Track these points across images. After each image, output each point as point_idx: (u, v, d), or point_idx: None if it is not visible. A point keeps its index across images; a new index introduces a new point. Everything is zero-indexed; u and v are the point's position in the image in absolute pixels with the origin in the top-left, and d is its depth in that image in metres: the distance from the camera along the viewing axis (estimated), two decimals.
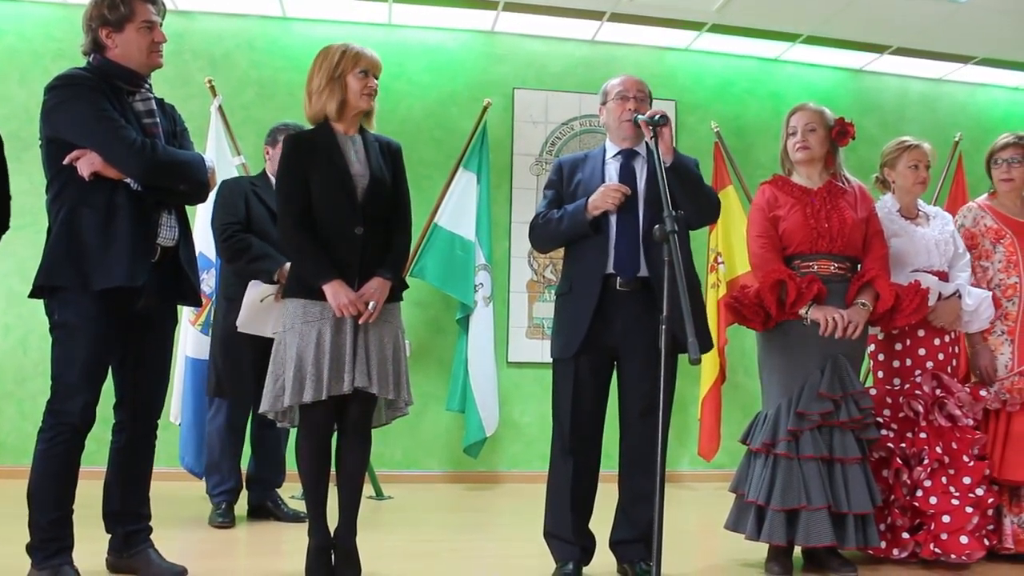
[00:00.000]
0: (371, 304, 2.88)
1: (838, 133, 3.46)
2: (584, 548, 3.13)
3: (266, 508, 4.21)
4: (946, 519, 3.36)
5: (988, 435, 3.61)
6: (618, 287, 3.04)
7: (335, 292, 2.84)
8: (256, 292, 3.82)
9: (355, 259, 2.92)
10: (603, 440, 3.17)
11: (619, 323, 3.04)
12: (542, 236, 3.23)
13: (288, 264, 3.72)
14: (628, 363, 3.08)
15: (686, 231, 3.05)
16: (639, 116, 3.03)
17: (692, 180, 3.07)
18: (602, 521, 3.19)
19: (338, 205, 2.92)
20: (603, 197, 3.02)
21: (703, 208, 3.13)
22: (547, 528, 3.17)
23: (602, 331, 3.04)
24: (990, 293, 3.67)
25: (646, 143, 3.12)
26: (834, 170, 3.49)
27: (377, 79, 3.02)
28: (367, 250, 2.94)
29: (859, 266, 3.43)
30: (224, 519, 4.00)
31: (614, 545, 3.18)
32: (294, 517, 4.10)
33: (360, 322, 2.88)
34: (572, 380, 3.08)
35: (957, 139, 5.87)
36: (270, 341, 3.63)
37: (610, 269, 3.05)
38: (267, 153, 4.24)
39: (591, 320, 3.02)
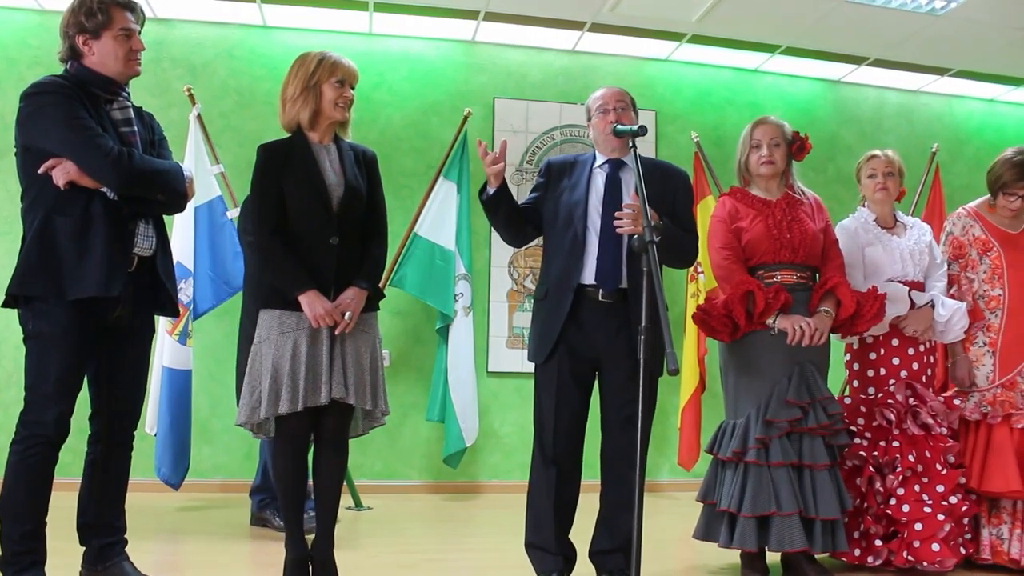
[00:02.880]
0: (347, 314, 2.86)
1: (797, 148, 3.50)
2: (566, 558, 3.12)
3: (264, 518, 4.15)
4: (918, 527, 3.38)
5: (968, 446, 3.64)
6: (600, 298, 3.05)
7: (311, 302, 2.82)
8: None
9: (330, 269, 2.90)
10: (584, 450, 3.16)
11: (599, 333, 3.05)
12: (496, 230, 3.31)
13: None
14: (609, 373, 3.09)
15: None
16: (618, 127, 3.05)
17: (676, 245, 3.11)
18: (581, 531, 3.18)
19: (313, 215, 2.90)
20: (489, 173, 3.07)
21: (686, 260, 3.32)
22: (528, 539, 3.17)
23: (580, 340, 3.06)
24: (964, 304, 3.70)
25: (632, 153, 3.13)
26: (790, 182, 3.52)
27: (354, 89, 3.01)
28: (342, 260, 2.92)
29: (817, 275, 3.46)
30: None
31: (593, 555, 3.18)
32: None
33: (336, 332, 2.87)
34: (554, 387, 3.10)
35: (934, 150, 5.92)
36: None
37: (587, 280, 3.07)
38: None
39: (562, 327, 3.06)
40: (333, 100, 2.94)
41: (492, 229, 5.75)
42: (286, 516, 2.96)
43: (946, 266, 3.78)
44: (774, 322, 3.27)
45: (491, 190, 3.10)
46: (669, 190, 3.18)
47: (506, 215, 3.17)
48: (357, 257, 2.97)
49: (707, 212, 5.55)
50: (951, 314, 3.64)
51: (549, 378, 3.12)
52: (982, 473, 3.57)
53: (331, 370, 2.85)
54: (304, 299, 2.82)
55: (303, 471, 2.98)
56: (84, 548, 2.92)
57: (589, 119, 3.27)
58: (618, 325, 3.01)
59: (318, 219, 2.90)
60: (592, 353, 3.08)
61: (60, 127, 2.66)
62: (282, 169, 2.92)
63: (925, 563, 3.37)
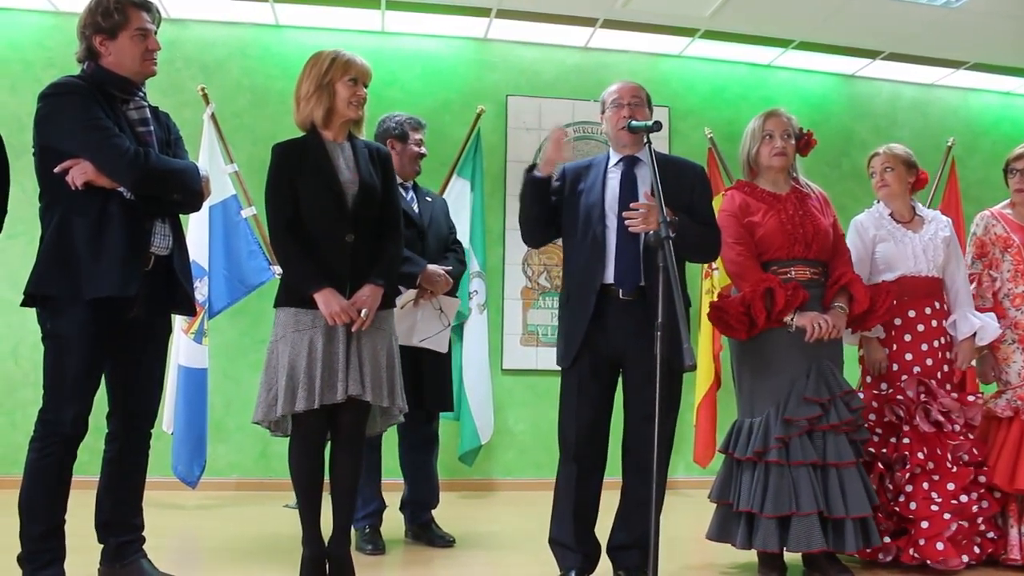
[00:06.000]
0: (363, 311, 2.86)
1: (803, 144, 3.49)
2: (586, 555, 3.11)
3: (416, 531, 3.94)
4: (925, 525, 3.36)
5: (997, 443, 3.60)
6: (620, 296, 3.04)
7: (327, 300, 2.83)
8: (399, 299, 3.63)
9: (346, 267, 2.91)
10: (608, 448, 3.15)
11: (621, 332, 3.03)
12: (521, 223, 3.23)
13: (430, 266, 3.68)
14: (631, 371, 3.07)
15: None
16: (632, 123, 3.04)
17: (693, 241, 3.06)
18: (606, 528, 3.18)
19: (328, 213, 2.91)
20: (546, 160, 3.04)
21: (708, 254, 3.28)
22: (551, 535, 3.17)
23: (602, 340, 3.04)
24: (991, 316, 3.68)
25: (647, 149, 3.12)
26: (795, 175, 3.50)
27: (367, 87, 3.01)
28: (358, 257, 2.93)
29: (826, 269, 3.43)
30: (372, 546, 3.67)
31: (611, 550, 3.17)
32: (444, 543, 3.84)
33: (353, 330, 2.87)
34: (576, 388, 3.09)
35: (949, 144, 5.89)
36: (413, 351, 3.61)
37: (608, 280, 3.05)
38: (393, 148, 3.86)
39: (586, 330, 3.04)
40: (347, 99, 2.95)
41: (506, 227, 5.82)
42: (303, 514, 2.97)
43: (964, 268, 3.75)
44: (792, 320, 3.25)
45: (539, 174, 3.07)
46: (686, 186, 3.14)
47: (541, 203, 3.13)
48: (372, 254, 2.98)
49: None
50: (991, 335, 3.65)
51: (572, 379, 3.11)
52: (1015, 470, 3.50)
53: (347, 367, 2.86)
54: (320, 297, 2.83)
55: (319, 469, 2.99)
56: (102, 546, 2.93)
57: (603, 112, 3.26)
58: (638, 323, 2.98)
59: (333, 217, 2.91)
60: (614, 352, 3.06)
61: (77, 127, 2.68)
62: (297, 168, 2.93)
63: (928, 561, 3.34)
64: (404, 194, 3.87)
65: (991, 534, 3.53)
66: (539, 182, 3.08)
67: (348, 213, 2.92)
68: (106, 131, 2.69)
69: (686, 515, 4.76)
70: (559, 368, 3.20)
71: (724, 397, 5.55)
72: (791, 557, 3.35)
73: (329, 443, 3.07)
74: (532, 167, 3.10)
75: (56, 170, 2.68)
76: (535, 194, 3.11)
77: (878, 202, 3.79)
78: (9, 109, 5.24)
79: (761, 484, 3.20)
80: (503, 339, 5.77)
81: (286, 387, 2.83)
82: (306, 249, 2.90)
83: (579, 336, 3.05)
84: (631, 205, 2.98)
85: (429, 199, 4.02)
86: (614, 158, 3.22)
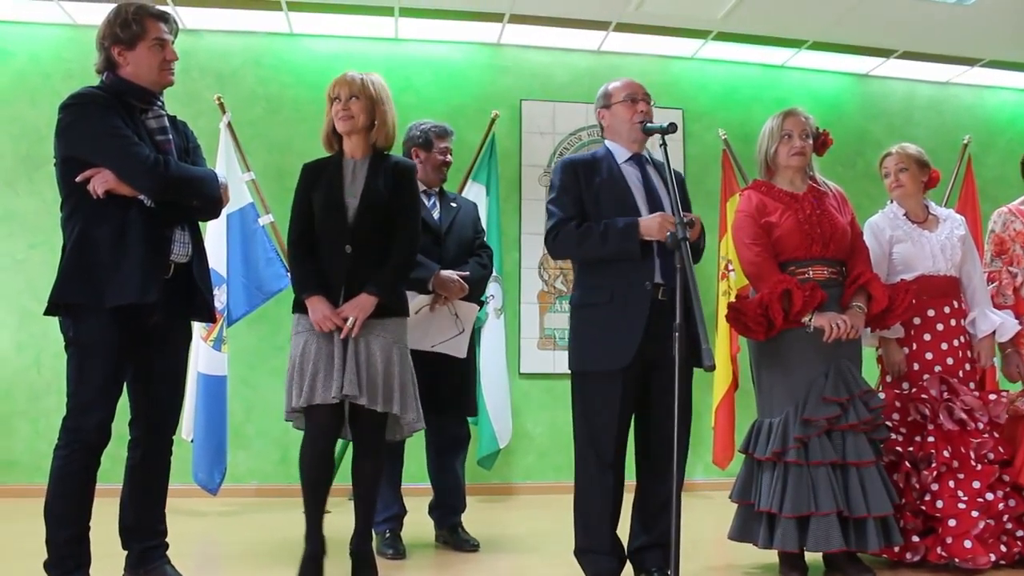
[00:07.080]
0: (349, 320, 2.94)
1: (820, 144, 3.50)
2: (620, 558, 3.11)
3: (444, 536, 3.95)
4: (952, 523, 3.33)
5: (1020, 442, 3.56)
6: (660, 296, 3.02)
7: (313, 307, 2.97)
8: (412, 304, 3.60)
9: (341, 276, 3.02)
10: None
11: (658, 333, 2.98)
12: (573, 247, 3.13)
13: (443, 272, 3.72)
14: (660, 371, 3.01)
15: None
16: (648, 125, 3.06)
17: (702, 244, 3.18)
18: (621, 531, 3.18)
19: (331, 225, 3.05)
20: (660, 228, 2.92)
21: (700, 256, 3.24)
22: (580, 544, 3.12)
23: (645, 342, 3.00)
24: (1010, 312, 3.67)
25: (648, 150, 3.13)
26: (812, 174, 3.50)
27: (356, 98, 3.06)
28: (356, 268, 3.02)
29: (845, 268, 3.42)
30: (392, 550, 3.66)
31: (632, 552, 3.16)
32: (469, 547, 3.85)
33: (340, 337, 2.96)
34: (619, 393, 3.02)
35: (966, 142, 5.87)
36: (431, 356, 3.62)
37: (657, 279, 3.02)
38: (417, 156, 3.95)
39: (644, 330, 2.98)
40: (336, 115, 3.10)
41: (521, 231, 5.83)
42: (305, 510, 3.04)
43: (980, 267, 3.73)
44: (810, 320, 3.24)
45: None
46: (685, 190, 3.22)
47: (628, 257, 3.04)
48: (375, 265, 3.05)
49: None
50: (1010, 332, 3.65)
51: (614, 383, 3.02)
52: None
53: (343, 369, 2.95)
54: (309, 303, 2.99)
55: (325, 466, 3.08)
56: (126, 552, 2.96)
57: (607, 106, 3.24)
58: (669, 324, 2.93)
59: (335, 229, 3.05)
60: (650, 352, 3.00)
61: (98, 137, 2.72)
62: (313, 184, 3.11)
63: (957, 559, 3.32)
64: (426, 201, 3.87)
65: (1020, 532, 3.48)
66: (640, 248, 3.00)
67: (347, 226, 3.03)
68: (126, 139, 2.73)
69: (706, 516, 4.77)
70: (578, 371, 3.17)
71: (742, 398, 5.53)
72: (812, 557, 3.33)
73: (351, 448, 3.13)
74: (635, 232, 2.99)
75: (77, 179, 2.72)
76: (630, 255, 3.01)
77: (891, 202, 3.79)
78: (29, 121, 5.30)
79: (780, 484, 3.20)
80: (520, 343, 5.78)
81: (287, 386, 2.99)
82: (311, 259, 3.06)
83: (635, 337, 2.97)
84: (689, 217, 2.98)
85: (454, 204, 4.02)
86: (622, 154, 3.20)
